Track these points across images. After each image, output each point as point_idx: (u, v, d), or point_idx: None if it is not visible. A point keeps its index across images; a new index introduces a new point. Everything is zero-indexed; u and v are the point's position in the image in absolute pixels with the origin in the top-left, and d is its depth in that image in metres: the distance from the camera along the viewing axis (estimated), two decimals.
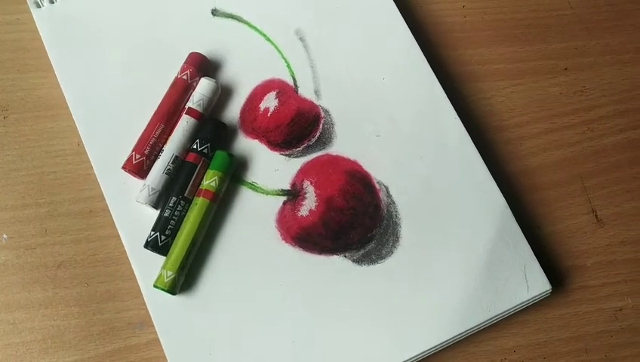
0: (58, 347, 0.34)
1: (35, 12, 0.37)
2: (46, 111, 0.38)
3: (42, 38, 0.37)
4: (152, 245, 0.33)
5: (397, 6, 0.38)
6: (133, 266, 0.34)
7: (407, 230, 0.34)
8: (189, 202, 0.34)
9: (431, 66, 0.37)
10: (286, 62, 0.37)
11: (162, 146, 0.34)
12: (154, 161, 0.34)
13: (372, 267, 0.34)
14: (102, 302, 0.35)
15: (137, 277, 0.33)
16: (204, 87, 0.35)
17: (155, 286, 0.32)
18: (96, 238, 0.36)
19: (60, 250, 0.36)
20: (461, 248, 0.34)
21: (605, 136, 0.38)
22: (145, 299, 0.33)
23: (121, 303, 0.35)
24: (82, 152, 0.36)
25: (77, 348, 0.34)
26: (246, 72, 0.37)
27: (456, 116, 0.36)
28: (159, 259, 0.33)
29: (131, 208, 0.34)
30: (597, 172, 0.37)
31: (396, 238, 0.34)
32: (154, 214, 0.34)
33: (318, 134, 0.36)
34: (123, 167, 0.34)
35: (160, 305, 0.33)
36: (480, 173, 0.35)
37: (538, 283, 0.33)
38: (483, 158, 0.35)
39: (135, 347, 0.35)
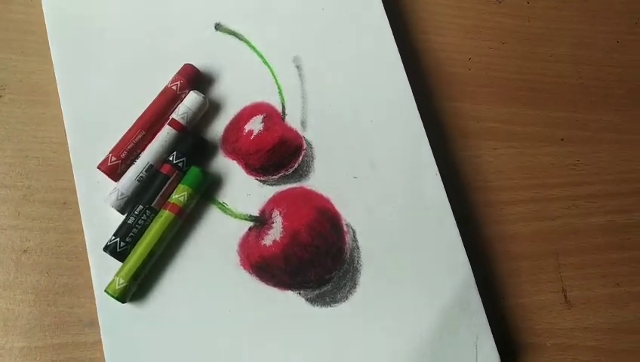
0: (9, 331, 0.35)
1: None
2: (41, 96, 0.39)
3: (46, 25, 0.38)
4: (110, 249, 0.33)
5: (400, 48, 0.37)
6: (90, 266, 0.34)
7: (366, 278, 0.34)
8: (154, 213, 0.34)
9: (424, 113, 0.36)
10: (279, 87, 0.37)
11: (140, 153, 0.34)
12: (129, 166, 0.34)
13: (324, 309, 0.33)
14: (58, 295, 0.36)
15: (92, 278, 0.34)
16: (191, 100, 0.35)
17: (105, 291, 0.32)
18: (65, 230, 0.36)
19: (29, 235, 0.37)
20: (416, 307, 0.33)
21: (590, 215, 0.37)
22: (96, 301, 0.33)
23: (76, 299, 0.35)
24: (67, 143, 0.36)
25: (26, 335, 0.35)
26: (237, 91, 0.37)
27: (437, 173, 0.35)
28: (117, 264, 0.33)
29: (100, 208, 0.34)
30: (574, 251, 0.36)
31: (354, 284, 0.34)
32: (120, 219, 0.34)
33: (296, 165, 0.36)
34: (98, 167, 0.34)
35: (109, 310, 0.33)
36: (450, 234, 0.34)
37: (489, 358, 0.32)
38: (459, 216, 0.35)
39: (81, 344, 0.35)
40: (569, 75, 0.39)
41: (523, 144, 0.38)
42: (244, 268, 0.34)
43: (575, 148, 0.38)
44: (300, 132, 0.36)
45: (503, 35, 0.40)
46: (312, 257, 0.34)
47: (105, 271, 0.33)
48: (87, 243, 0.34)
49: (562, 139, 0.38)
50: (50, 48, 0.37)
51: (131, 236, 0.33)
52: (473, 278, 0.33)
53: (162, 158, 0.34)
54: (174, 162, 0.34)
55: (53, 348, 0.35)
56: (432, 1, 0.40)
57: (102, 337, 0.33)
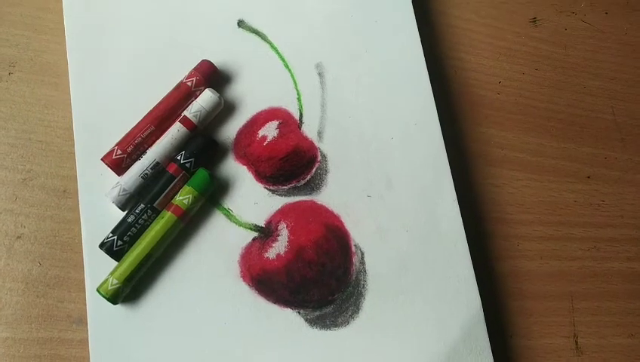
0: None
1: None
2: (51, 78, 0.37)
3: (63, 3, 0.36)
4: (106, 247, 0.31)
5: (428, 65, 0.35)
6: (84, 261, 0.32)
7: (370, 303, 0.32)
8: (156, 213, 0.32)
9: (447, 135, 0.34)
10: (298, 94, 0.35)
11: (147, 148, 0.33)
12: (134, 161, 0.33)
13: (323, 332, 0.32)
14: (49, 287, 0.34)
15: (85, 274, 0.32)
16: (205, 99, 0.33)
17: (97, 290, 0.31)
18: (62, 220, 0.35)
19: (24, 221, 0.35)
20: (420, 342, 0.31)
21: (610, 260, 0.35)
22: (86, 299, 0.32)
23: (67, 293, 0.34)
24: (73, 129, 0.35)
25: (12, 325, 0.33)
26: (254, 93, 0.35)
27: (456, 199, 0.33)
28: (113, 262, 0.32)
29: (100, 202, 0.33)
30: (591, 296, 0.34)
31: (356, 309, 0.32)
32: (120, 215, 0.32)
33: (308, 177, 0.34)
34: (102, 159, 0.33)
35: (99, 310, 0.31)
36: (463, 265, 0.32)
37: None
38: (474, 247, 0.33)
39: (67, 341, 0.33)
40: (602, 110, 0.37)
41: (547, 178, 0.36)
42: (244, 280, 0.32)
43: (601, 188, 0.36)
44: (316, 142, 0.34)
45: (537, 60, 0.38)
46: (316, 276, 0.32)
47: (99, 268, 0.32)
48: (83, 237, 0.33)
49: (589, 177, 0.36)
50: (65, 29, 0.36)
51: (130, 235, 0.32)
52: (483, 315, 0.32)
53: (170, 156, 0.33)
54: (182, 162, 0.33)
55: (38, 341, 0.33)
56: (466, 18, 0.38)
57: (89, 337, 0.31)
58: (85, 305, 0.33)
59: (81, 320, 0.33)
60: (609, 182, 0.36)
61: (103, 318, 0.31)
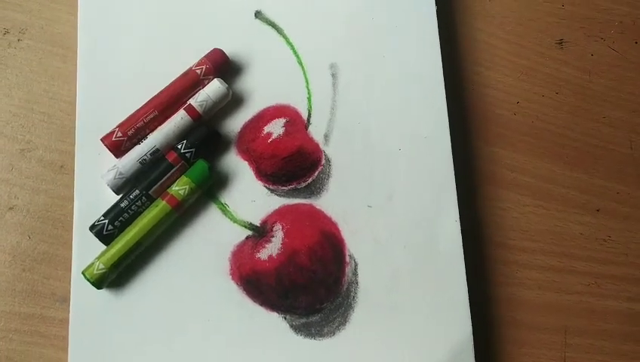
0: None
1: None
2: (60, 49, 0.37)
3: None
4: (96, 230, 0.31)
5: (446, 77, 0.34)
6: (73, 241, 0.32)
7: (358, 316, 0.31)
8: (151, 201, 0.31)
9: (457, 152, 0.33)
10: (309, 93, 0.34)
11: (148, 133, 0.32)
12: (134, 145, 0.32)
13: (307, 341, 0.31)
14: (36, 262, 0.34)
15: (73, 255, 0.32)
16: (213, 89, 0.32)
17: (82, 273, 0.30)
18: (56, 196, 0.34)
19: (18, 192, 0.35)
20: (405, 360, 0.31)
21: (610, 298, 0.34)
22: (71, 279, 0.31)
23: (53, 270, 0.34)
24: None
25: None
26: (264, 88, 0.34)
27: (458, 219, 0.32)
28: (101, 246, 0.31)
29: (96, 183, 0.32)
30: (585, 332, 0.33)
31: (344, 321, 0.31)
32: (115, 199, 0.32)
33: (310, 180, 0.33)
34: (101, 139, 0.32)
35: (83, 292, 0.31)
36: (457, 288, 0.32)
37: None
38: (471, 268, 0.32)
39: (49, 319, 0.33)
40: (620, 143, 0.36)
41: (555, 206, 0.35)
42: (233, 279, 0.32)
43: (609, 223, 0.35)
44: (322, 145, 0.33)
45: (558, 84, 0.37)
46: (306, 282, 0.32)
47: (88, 249, 0.31)
48: (74, 216, 0.32)
49: (598, 210, 0.35)
50: (79, 0, 0.35)
51: (121, 220, 0.31)
52: (472, 342, 0.31)
53: (170, 144, 0.32)
54: (182, 151, 0.32)
55: (20, 316, 0.33)
56: (490, 32, 0.37)
57: (70, 318, 0.31)
58: (70, 284, 0.32)
59: (65, 299, 0.33)
60: (618, 218, 0.35)
61: (86, 300, 0.31)
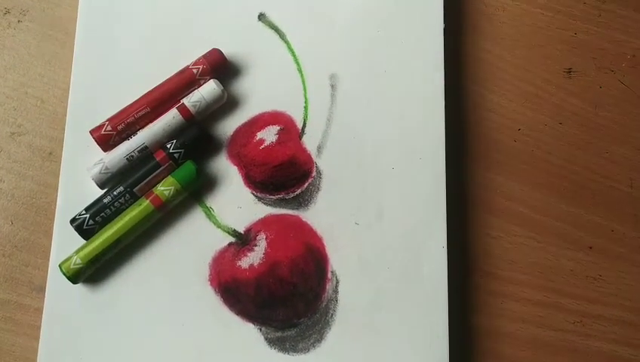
0: None
1: None
2: (60, 34, 0.36)
3: None
4: (77, 224, 0.30)
5: (447, 96, 0.33)
6: (53, 232, 0.31)
7: (334, 335, 0.31)
8: (134, 199, 0.31)
9: (451, 175, 0.32)
10: (306, 102, 0.33)
11: (138, 130, 0.32)
12: (123, 140, 0.31)
13: (280, 355, 0.30)
14: (16, 248, 0.33)
15: (52, 245, 0.31)
16: (208, 90, 0.32)
17: (59, 266, 0.30)
18: (42, 183, 0.34)
19: (5, 176, 0.34)
20: None
21: (594, 338, 0.33)
22: (49, 270, 0.31)
23: (33, 258, 0.33)
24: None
25: None
26: (260, 93, 0.33)
27: (445, 246, 0.32)
28: (82, 239, 0.31)
29: (81, 175, 0.32)
30: None
31: (320, 338, 0.31)
32: (99, 193, 0.31)
33: (299, 191, 0.32)
34: (90, 132, 0.31)
35: (59, 285, 0.31)
36: (438, 319, 0.31)
37: None
38: (455, 297, 0.31)
39: (24, 307, 0.33)
40: (620, 180, 0.35)
41: (548, 240, 0.34)
42: (211, 285, 0.31)
43: (601, 261, 0.34)
44: (314, 157, 0.33)
45: (563, 114, 0.36)
46: (285, 295, 0.31)
47: (67, 242, 0.31)
48: (57, 207, 0.32)
49: (591, 247, 0.34)
50: None
51: (102, 216, 0.30)
52: None
53: (160, 143, 0.31)
54: (171, 151, 0.31)
55: None
56: (498, 54, 0.36)
57: (44, 309, 0.31)
58: (48, 274, 0.32)
59: (42, 289, 0.32)
60: (611, 258, 0.34)
61: (61, 293, 0.31)
